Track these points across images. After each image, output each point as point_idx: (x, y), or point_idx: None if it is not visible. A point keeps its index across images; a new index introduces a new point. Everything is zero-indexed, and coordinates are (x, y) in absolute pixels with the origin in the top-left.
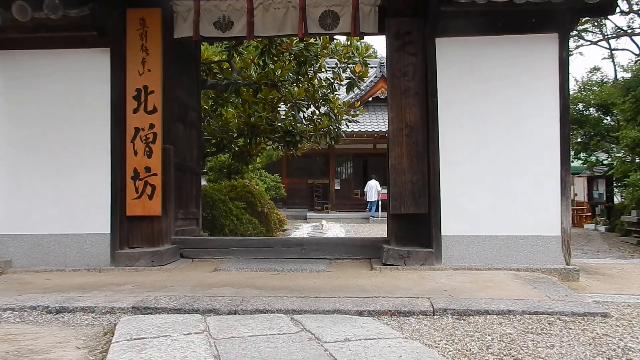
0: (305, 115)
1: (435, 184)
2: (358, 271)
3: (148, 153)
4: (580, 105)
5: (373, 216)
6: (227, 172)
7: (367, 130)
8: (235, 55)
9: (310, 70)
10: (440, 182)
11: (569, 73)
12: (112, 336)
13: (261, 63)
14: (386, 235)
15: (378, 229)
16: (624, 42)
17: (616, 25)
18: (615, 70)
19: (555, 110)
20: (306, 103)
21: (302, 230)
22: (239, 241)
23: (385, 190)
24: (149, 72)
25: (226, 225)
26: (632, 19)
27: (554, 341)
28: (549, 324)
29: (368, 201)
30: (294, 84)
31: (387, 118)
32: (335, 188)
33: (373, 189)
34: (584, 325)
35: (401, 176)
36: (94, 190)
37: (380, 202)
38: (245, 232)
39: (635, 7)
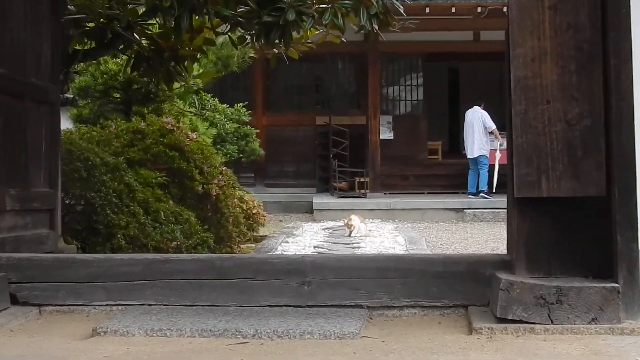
0: None
1: (625, 129)
2: (437, 338)
3: None
4: None
5: (483, 194)
6: (122, 99)
7: (455, 0)
8: None
9: None
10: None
11: None
12: None
13: None
14: (505, 251)
15: (485, 235)
16: None
17: None
18: None
19: None
20: None
21: (303, 239)
22: (151, 265)
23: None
24: None
25: (120, 226)
26: None
27: None
28: None
29: (469, 158)
30: None
31: None
32: (382, 137)
33: (474, 129)
34: None
35: (539, 107)
36: None
37: (496, 167)
38: (166, 244)
39: None
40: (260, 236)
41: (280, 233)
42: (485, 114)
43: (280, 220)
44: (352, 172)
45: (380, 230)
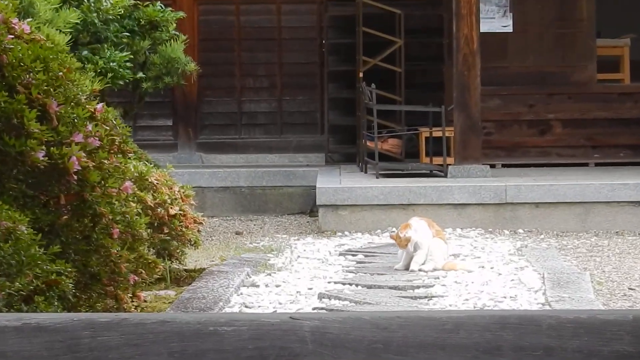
0: None
1: None
2: None
3: None
4: None
5: None
6: None
7: None
8: None
9: None
10: None
11: None
12: None
13: None
14: None
15: None
16: None
17: None
18: None
19: None
20: None
21: (292, 277)
22: None
23: None
24: None
25: None
26: None
27: None
28: None
29: None
30: None
31: None
32: (486, 30)
33: None
34: None
35: None
36: None
37: None
38: None
39: None
40: (190, 270)
41: (237, 262)
42: None
43: (239, 233)
44: (411, 116)
45: (482, 255)
